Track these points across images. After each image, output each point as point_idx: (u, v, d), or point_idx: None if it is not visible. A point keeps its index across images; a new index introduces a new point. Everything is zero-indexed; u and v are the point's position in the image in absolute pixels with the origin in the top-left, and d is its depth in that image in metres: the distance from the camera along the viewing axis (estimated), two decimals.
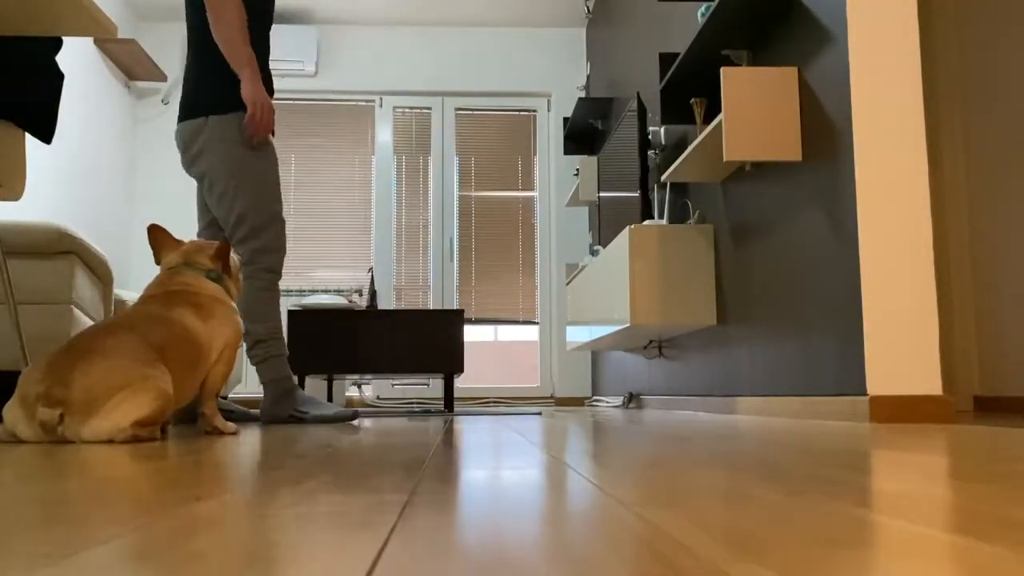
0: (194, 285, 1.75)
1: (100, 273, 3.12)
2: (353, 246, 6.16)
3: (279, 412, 2.52)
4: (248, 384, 5.79)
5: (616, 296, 3.73)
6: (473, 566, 0.35)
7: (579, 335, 4.78)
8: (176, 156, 6.06)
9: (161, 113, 6.09)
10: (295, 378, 3.19)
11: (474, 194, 6.21)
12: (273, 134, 2.55)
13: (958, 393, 3.50)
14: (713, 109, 3.34)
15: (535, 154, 6.23)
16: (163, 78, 5.89)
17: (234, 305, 1.84)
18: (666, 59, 3.53)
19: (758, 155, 2.60)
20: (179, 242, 1.87)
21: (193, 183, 6.04)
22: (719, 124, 2.75)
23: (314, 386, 5.24)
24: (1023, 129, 3.25)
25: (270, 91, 2.59)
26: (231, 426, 1.75)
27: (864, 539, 0.42)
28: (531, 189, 6.25)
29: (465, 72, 6.16)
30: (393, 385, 6.02)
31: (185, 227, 5.67)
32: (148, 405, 1.45)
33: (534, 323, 6.24)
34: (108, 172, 5.60)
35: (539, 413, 3.51)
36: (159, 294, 1.71)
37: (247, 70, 2.42)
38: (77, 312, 2.91)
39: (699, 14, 3.14)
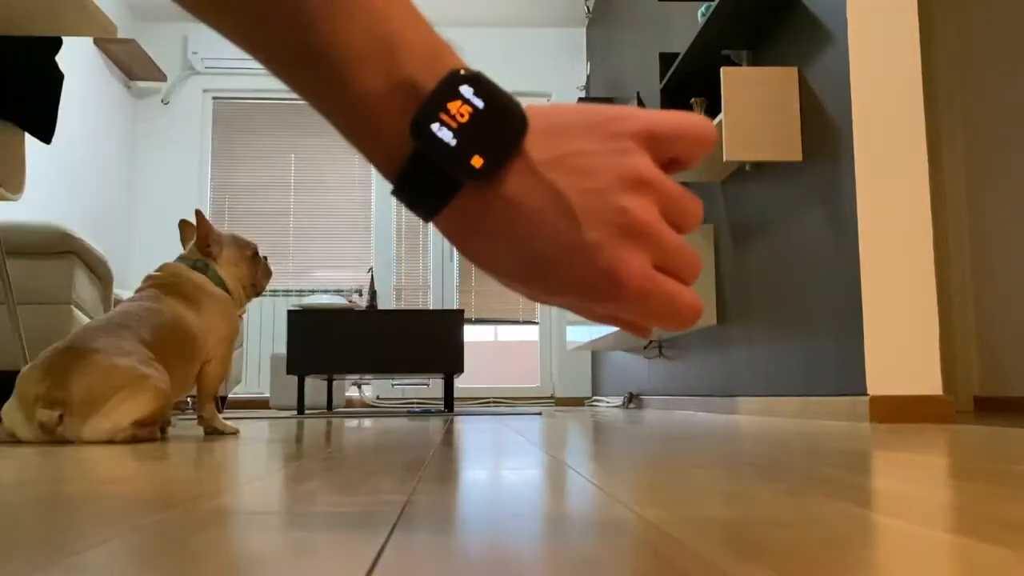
0: (179, 275, 1.73)
1: (100, 273, 3.12)
2: (353, 246, 6.16)
3: None
4: (248, 384, 5.79)
5: None
6: (473, 566, 0.35)
7: (579, 335, 4.78)
8: (176, 156, 6.06)
9: (161, 113, 6.09)
10: None
11: None
12: None
13: (958, 393, 3.51)
14: (713, 109, 3.34)
15: None
16: (163, 78, 5.89)
17: (225, 295, 1.77)
18: (666, 59, 3.53)
19: (758, 155, 2.60)
20: (206, 235, 1.80)
21: (193, 184, 6.04)
22: (719, 124, 2.75)
23: (314, 386, 5.24)
24: (1023, 129, 3.25)
25: None
26: (231, 426, 1.75)
27: (864, 539, 0.42)
28: None
29: None
30: (393, 385, 6.02)
31: None
32: (147, 405, 1.45)
33: (534, 323, 6.24)
34: (108, 172, 5.60)
35: (539, 413, 3.51)
36: (149, 287, 1.71)
37: None
38: (77, 312, 2.91)
39: (699, 14, 3.14)
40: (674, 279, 0.41)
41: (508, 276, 0.41)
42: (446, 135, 0.38)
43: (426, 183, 0.39)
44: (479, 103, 0.38)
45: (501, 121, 0.38)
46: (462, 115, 0.38)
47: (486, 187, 0.39)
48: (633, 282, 0.39)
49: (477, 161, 0.38)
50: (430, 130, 0.37)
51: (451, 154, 0.38)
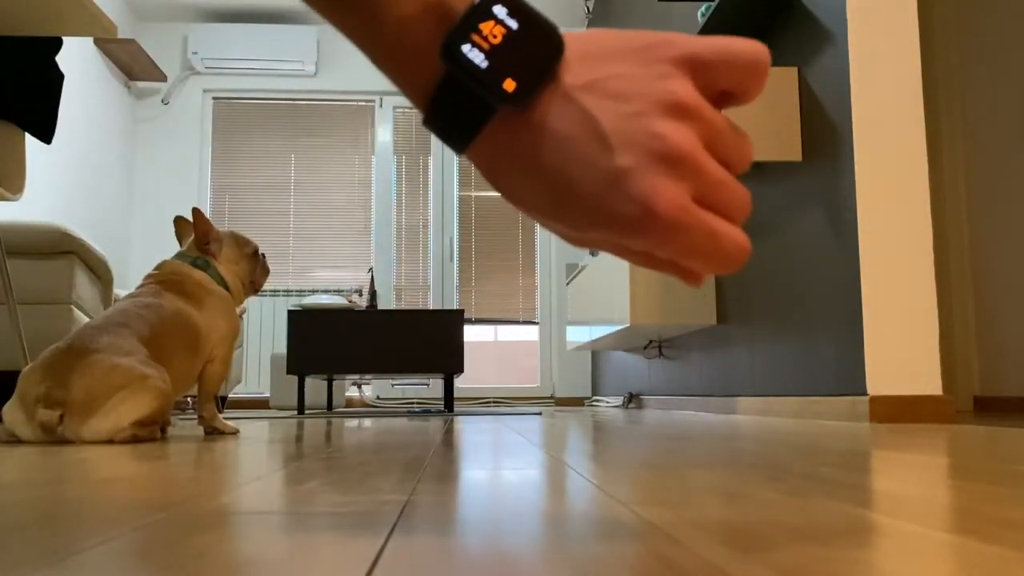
0: (181, 273, 1.73)
1: (100, 273, 3.12)
2: (353, 246, 6.16)
3: None
4: (248, 384, 5.79)
5: (616, 296, 3.73)
6: (473, 566, 0.35)
7: (579, 335, 4.78)
8: (176, 156, 6.06)
9: (161, 113, 6.09)
10: None
11: (474, 194, 6.21)
12: None
13: (958, 393, 3.50)
14: None
15: None
16: (163, 78, 5.89)
17: (226, 293, 1.77)
18: None
19: (758, 155, 2.60)
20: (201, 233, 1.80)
21: (193, 184, 6.05)
22: None
23: (314, 386, 5.24)
24: (1023, 129, 3.25)
25: None
26: (231, 426, 1.75)
27: (864, 539, 0.42)
28: None
29: None
30: (393, 385, 6.02)
31: None
32: (148, 405, 1.45)
33: (534, 323, 6.24)
34: (108, 172, 5.60)
35: (539, 413, 3.51)
36: (150, 284, 1.71)
37: None
38: (77, 312, 2.91)
39: (699, 14, 3.14)
40: (720, 217, 0.38)
41: (540, 211, 0.39)
42: (477, 57, 0.36)
43: (457, 110, 0.37)
44: (513, 24, 0.36)
45: (536, 43, 0.36)
46: (495, 36, 0.36)
47: (518, 113, 0.37)
48: (666, 211, 0.36)
49: (509, 84, 0.36)
50: (460, 52, 0.36)
51: (482, 76, 0.36)
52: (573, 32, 0.39)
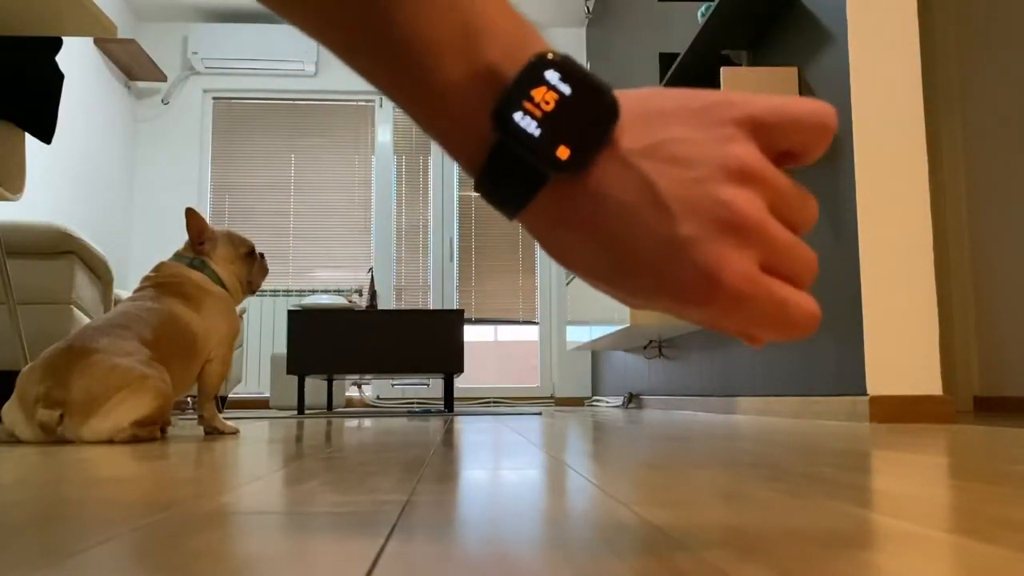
0: (179, 275, 1.73)
1: (100, 273, 3.12)
2: (353, 246, 6.15)
3: None
4: (248, 384, 5.79)
5: None
6: (473, 566, 0.35)
7: (579, 335, 4.78)
8: (176, 156, 6.06)
9: (161, 113, 6.09)
10: None
11: (474, 194, 6.21)
12: None
13: (958, 393, 3.50)
14: None
15: None
16: (163, 78, 5.89)
17: (225, 293, 1.76)
18: (666, 59, 3.53)
19: None
20: (200, 231, 1.79)
21: (192, 184, 6.05)
22: None
23: (314, 386, 5.24)
24: (1023, 129, 3.25)
25: None
26: (231, 426, 1.75)
27: (864, 539, 0.42)
28: None
29: None
30: (393, 385, 6.02)
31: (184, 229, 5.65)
32: (147, 405, 1.45)
33: (534, 323, 6.24)
34: (108, 172, 5.60)
35: (539, 413, 3.51)
36: (148, 286, 1.71)
37: None
38: (77, 312, 2.91)
39: (699, 14, 3.14)
40: (786, 282, 0.37)
41: (598, 277, 0.38)
42: (530, 125, 0.35)
43: (510, 178, 0.36)
44: (566, 89, 0.35)
45: (590, 108, 0.35)
46: (547, 103, 0.35)
47: (574, 180, 0.36)
48: (732, 282, 0.35)
49: (563, 152, 0.35)
50: (512, 120, 0.35)
51: (535, 145, 0.35)
52: (629, 91, 0.37)
